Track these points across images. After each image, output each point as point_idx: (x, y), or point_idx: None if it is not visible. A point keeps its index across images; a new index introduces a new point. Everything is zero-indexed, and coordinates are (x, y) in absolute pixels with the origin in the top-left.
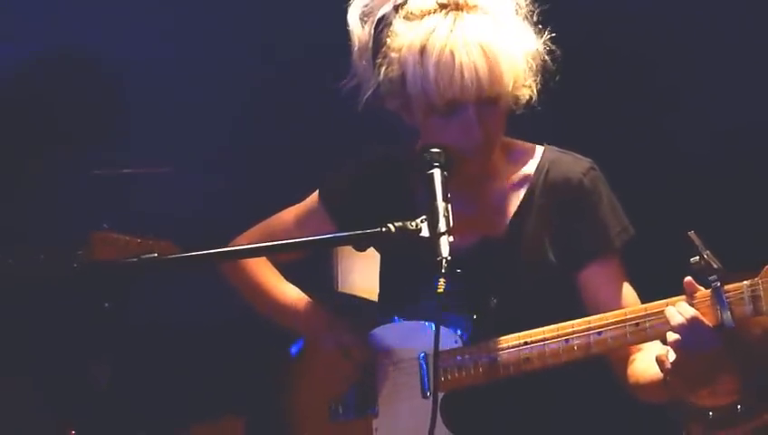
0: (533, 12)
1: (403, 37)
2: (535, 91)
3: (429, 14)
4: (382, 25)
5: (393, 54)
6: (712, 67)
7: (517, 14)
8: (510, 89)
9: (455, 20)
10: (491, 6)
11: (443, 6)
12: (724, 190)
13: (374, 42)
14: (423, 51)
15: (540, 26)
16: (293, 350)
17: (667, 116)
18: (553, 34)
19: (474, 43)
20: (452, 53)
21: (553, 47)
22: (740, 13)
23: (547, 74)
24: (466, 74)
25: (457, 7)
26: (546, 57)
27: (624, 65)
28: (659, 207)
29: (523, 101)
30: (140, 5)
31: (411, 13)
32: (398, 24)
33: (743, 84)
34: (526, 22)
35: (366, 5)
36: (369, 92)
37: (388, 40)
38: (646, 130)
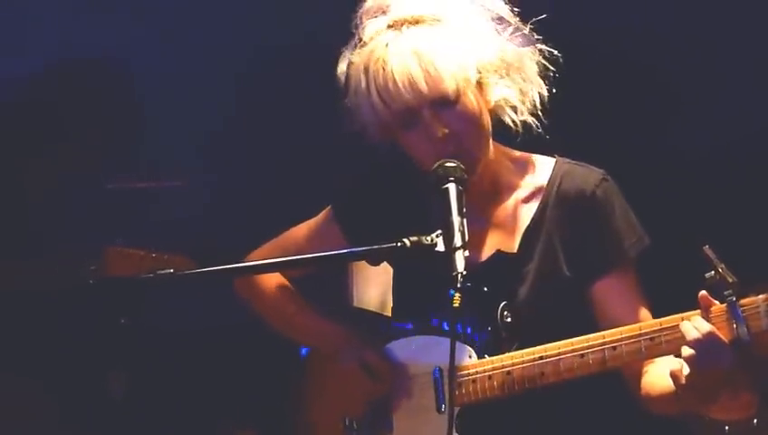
0: (497, 16)
1: (354, 66)
2: (520, 94)
3: (376, 36)
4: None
5: (350, 86)
6: (728, 74)
7: (482, 17)
8: (457, 86)
9: (394, 36)
10: (441, 15)
11: (390, 26)
12: (737, 199)
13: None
14: (365, 71)
15: (533, 32)
16: (303, 352)
17: (680, 125)
18: (539, 37)
19: (406, 50)
20: (384, 63)
21: (547, 52)
22: (752, 16)
23: (546, 82)
24: (399, 78)
25: (402, 24)
26: (523, 59)
27: (637, 74)
28: (672, 218)
29: (506, 103)
30: (150, 20)
31: (362, 41)
32: (353, 56)
33: (757, 92)
34: (501, 25)
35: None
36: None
37: (349, 71)
38: (658, 139)
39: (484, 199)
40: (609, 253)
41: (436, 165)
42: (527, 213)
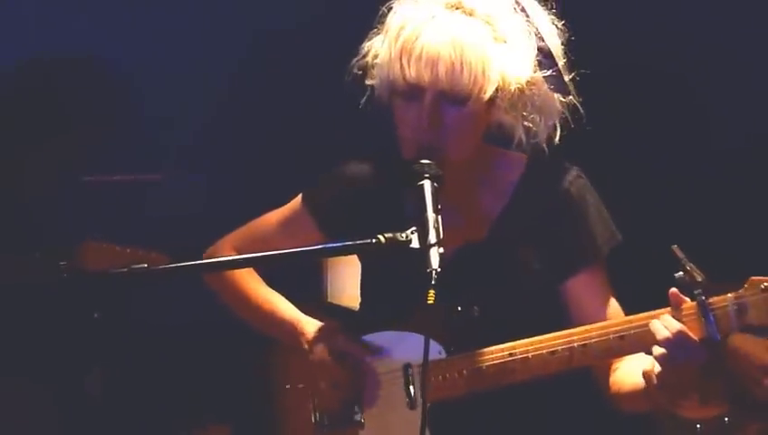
0: (546, 49)
1: (397, 16)
2: (535, 129)
3: (430, 3)
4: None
5: (383, 30)
6: (705, 78)
7: (529, 43)
8: (471, 91)
9: (443, 13)
10: (495, 19)
11: (445, 4)
12: (711, 200)
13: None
14: (401, 29)
15: (574, 81)
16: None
17: (661, 125)
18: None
19: (445, 31)
20: (420, 33)
21: (574, 103)
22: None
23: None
24: (424, 56)
25: (457, 7)
26: (548, 102)
27: (616, 72)
28: (644, 216)
29: (515, 132)
30: (135, 12)
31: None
32: (399, 4)
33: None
34: (545, 60)
35: None
36: (356, 67)
37: (388, 17)
38: (638, 137)
39: (454, 193)
40: (582, 251)
41: (410, 162)
42: (497, 206)
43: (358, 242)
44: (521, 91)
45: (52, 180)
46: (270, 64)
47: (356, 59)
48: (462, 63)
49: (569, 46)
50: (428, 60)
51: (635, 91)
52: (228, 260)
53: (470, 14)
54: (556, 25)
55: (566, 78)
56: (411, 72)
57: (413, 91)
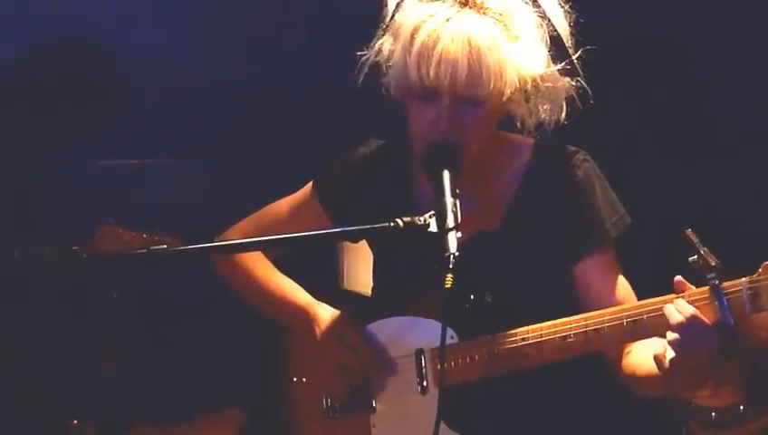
0: (554, 33)
1: (407, 15)
2: (545, 117)
3: (441, 1)
4: (399, 1)
5: (394, 29)
6: (714, 64)
7: (541, 37)
8: (489, 93)
9: (458, 11)
10: (507, 15)
11: (458, 2)
12: (723, 188)
13: (390, 17)
14: (415, 31)
15: (581, 60)
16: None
17: (671, 111)
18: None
19: (462, 35)
20: (437, 39)
21: (583, 86)
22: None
23: (571, 110)
24: (443, 63)
25: (468, 3)
26: (558, 90)
27: (629, 60)
28: (656, 202)
29: (526, 122)
30: None
31: None
32: (409, 1)
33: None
34: (554, 47)
35: None
36: (366, 66)
37: (397, 15)
38: (651, 124)
39: (467, 180)
40: (590, 234)
41: (429, 145)
42: (508, 194)
43: (376, 226)
44: (535, 86)
45: (59, 164)
46: (283, 51)
47: (366, 57)
48: (480, 68)
49: (576, 27)
50: (447, 65)
51: (644, 70)
52: (245, 242)
53: (483, 13)
54: (562, 6)
55: (574, 58)
56: (430, 78)
57: (430, 94)
